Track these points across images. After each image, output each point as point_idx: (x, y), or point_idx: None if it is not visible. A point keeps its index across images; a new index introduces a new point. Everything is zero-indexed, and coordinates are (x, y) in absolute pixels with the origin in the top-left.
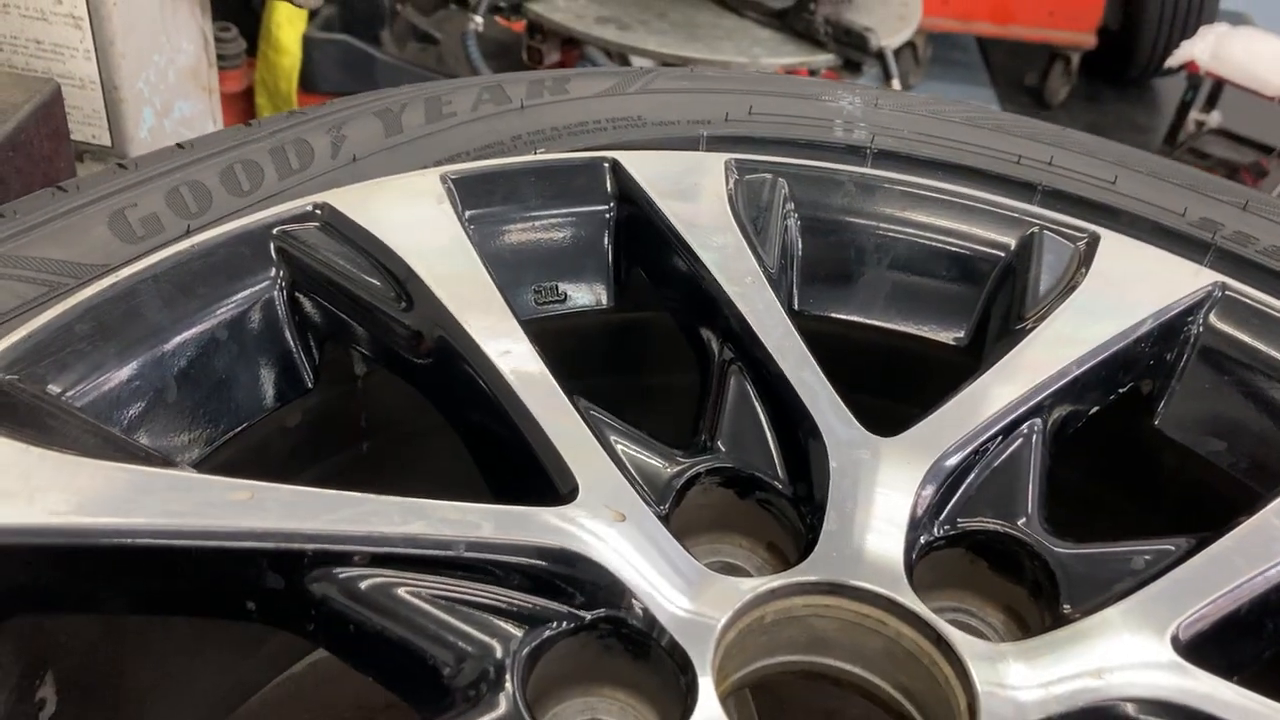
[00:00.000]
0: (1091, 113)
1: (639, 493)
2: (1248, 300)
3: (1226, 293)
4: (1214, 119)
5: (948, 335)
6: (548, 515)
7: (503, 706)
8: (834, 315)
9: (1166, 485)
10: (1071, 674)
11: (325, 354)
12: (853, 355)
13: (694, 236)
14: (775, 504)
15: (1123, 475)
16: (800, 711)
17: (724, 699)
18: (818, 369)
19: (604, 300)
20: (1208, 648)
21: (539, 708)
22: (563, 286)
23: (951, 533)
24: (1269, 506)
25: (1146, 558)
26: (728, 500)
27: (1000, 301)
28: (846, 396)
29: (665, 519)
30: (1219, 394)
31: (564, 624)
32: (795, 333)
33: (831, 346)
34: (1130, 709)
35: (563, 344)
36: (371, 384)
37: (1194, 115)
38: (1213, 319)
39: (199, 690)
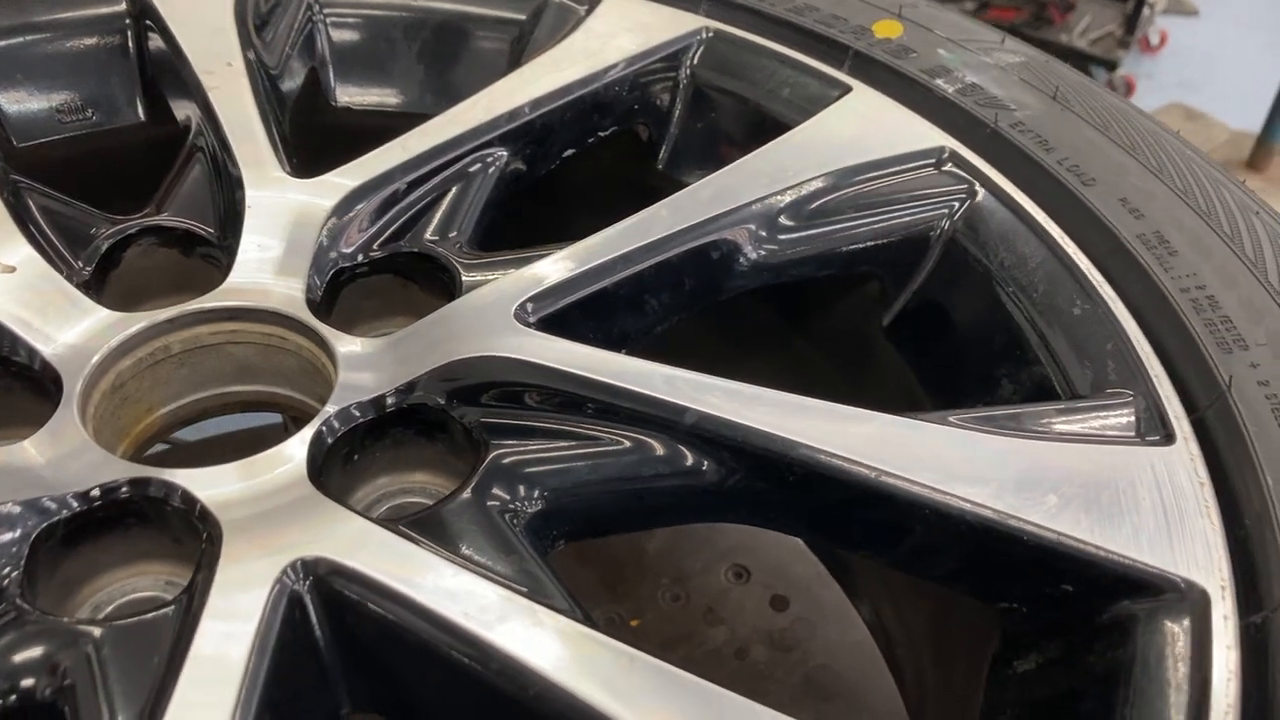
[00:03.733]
0: None
1: (39, 249)
2: (734, 41)
3: (712, 36)
4: None
5: None
6: None
7: None
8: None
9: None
10: (423, 347)
11: None
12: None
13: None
14: (213, 256)
15: None
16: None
17: (160, 433)
18: (262, 129)
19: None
20: (551, 319)
21: None
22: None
23: (370, 258)
24: None
25: (526, 255)
26: (172, 260)
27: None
28: None
29: (85, 276)
30: (711, 135)
31: None
32: (255, 105)
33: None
34: (470, 362)
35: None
36: None
37: None
38: (697, 62)
39: None
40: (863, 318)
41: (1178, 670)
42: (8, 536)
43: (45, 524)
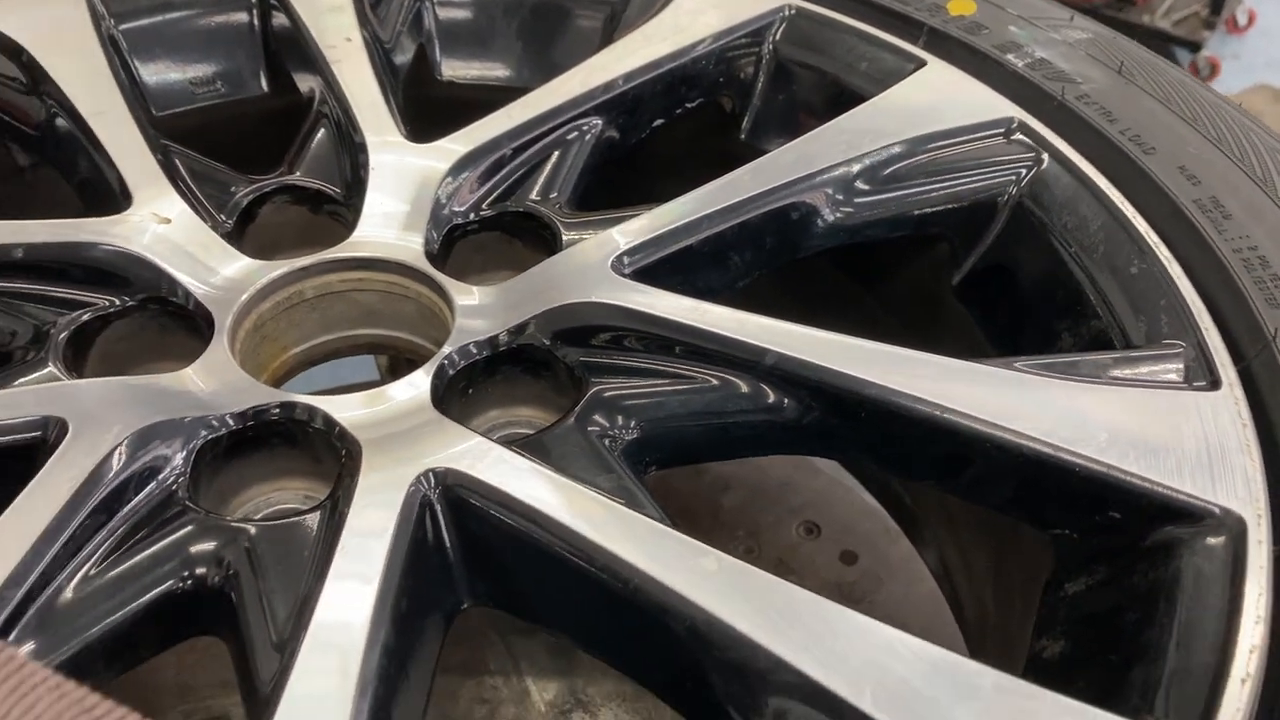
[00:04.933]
0: None
1: (190, 204)
2: (815, 18)
3: (794, 13)
4: None
5: None
6: (103, 222)
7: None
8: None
9: None
10: (531, 295)
11: None
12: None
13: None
14: (340, 214)
15: None
16: None
17: (293, 370)
18: (381, 99)
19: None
20: (644, 271)
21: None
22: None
23: (481, 216)
24: None
25: (620, 215)
26: (303, 216)
27: (605, 41)
28: None
29: (228, 229)
30: (791, 106)
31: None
32: (375, 77)
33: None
34: (573, 307)
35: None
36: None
37: None
38: (780, 38)
39: None
40: (932, 278)
41: (1214, 586)
42: (177, 446)
43: (209, 437)
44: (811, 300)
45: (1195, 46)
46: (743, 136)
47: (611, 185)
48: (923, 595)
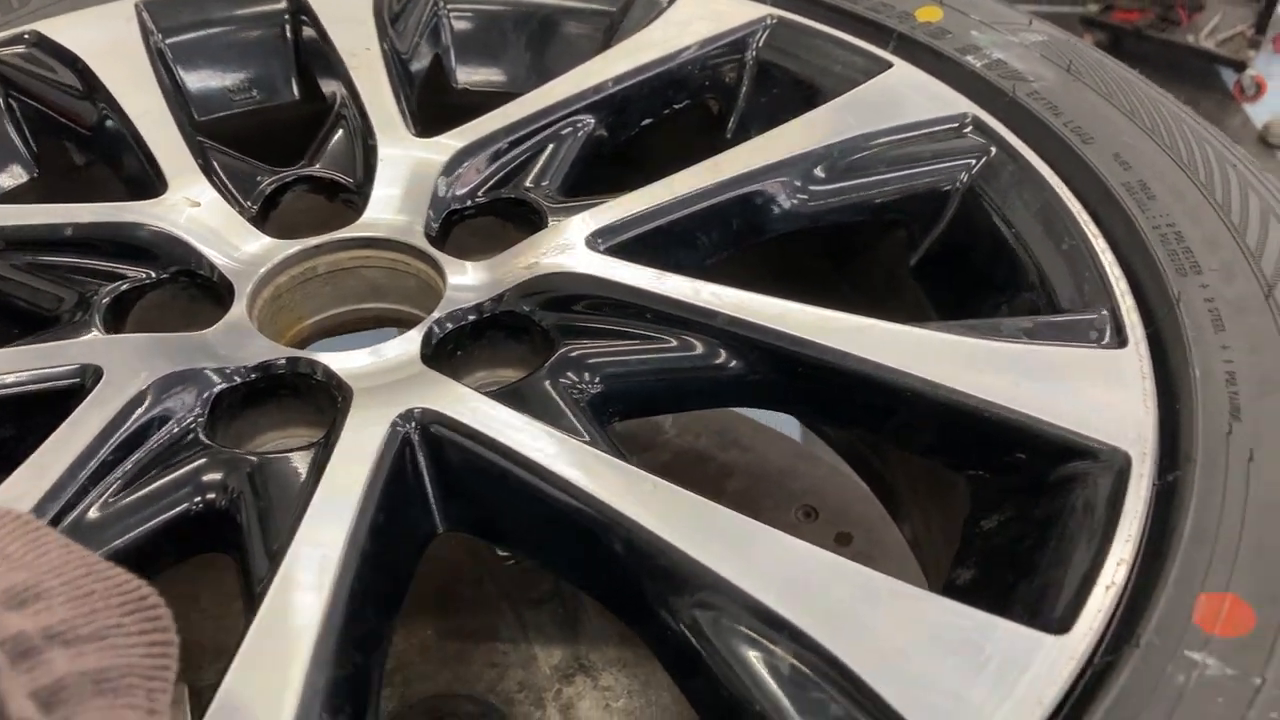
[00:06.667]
0: None
1: (219, 191)
2: (795, 27)
3: (776, 22)
4: None
5: None
6: (142, 205)
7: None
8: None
9: None
10: (512, 267)
11: (42, 145)
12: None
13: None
14: (353, 201)
15: None
16: None
17: (310, 338)
18: (393, 101)
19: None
20: (619, 248)
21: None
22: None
23: (476, 202)
24: None
25: (601, 200)
26: (320, 203)
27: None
28: None
29: (253, 213)
30: (773, 108)
31: (150, 278)
32: (388, 82)
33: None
34: (547, 277)
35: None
36: (92, 175)
37: None
38: (762, 45)
39: None
40: (894, 260)
41: (1096, 513)
42: (197, 392)
43: (224, 386)
44: (790, 279)
45: (1240, 66)
46: (729, 135)
47: (611, 179)
48: (914, 574)
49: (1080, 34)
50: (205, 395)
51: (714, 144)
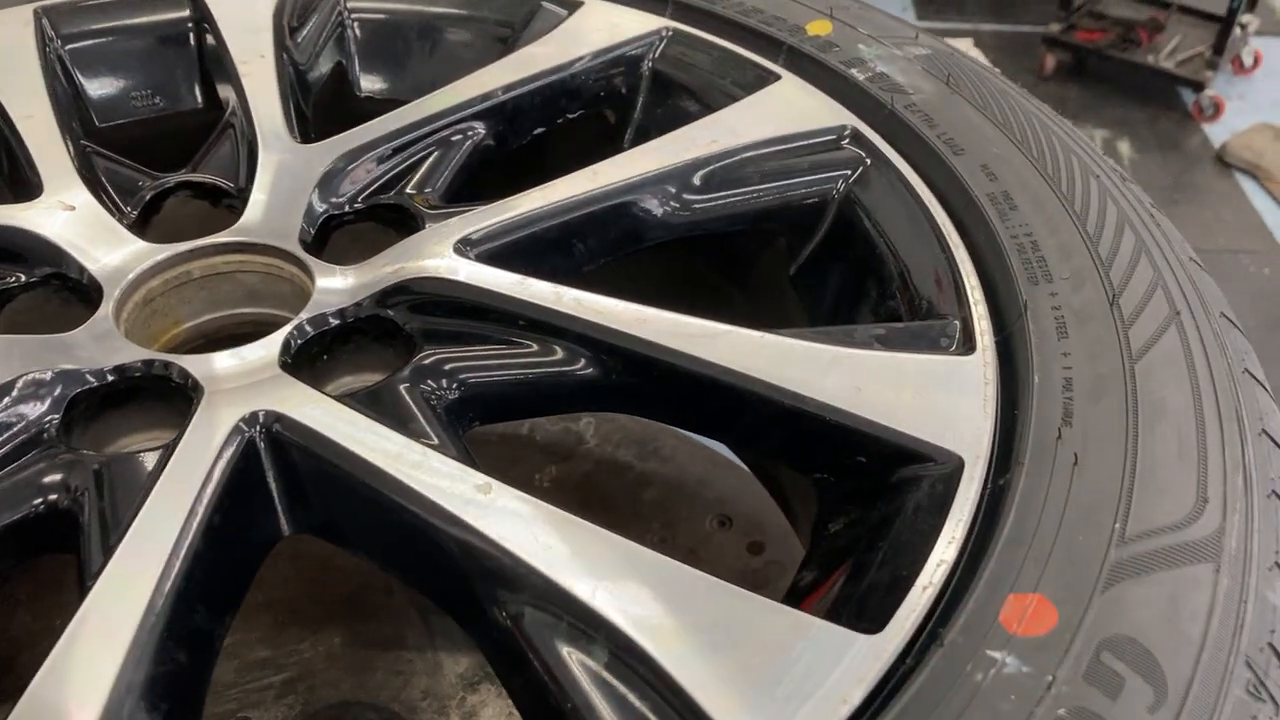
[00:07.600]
0: None
1: (96, 195)
2: (689, 39)
3: (671, 34)
4: None
5: None
6: (13, 208)
7: None
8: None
9: None
10: (379, 271)
11: None
12: None
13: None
14: (234, 205)
15: None
16: None
17: (185, 343)
18: (280, 107)
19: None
20: (492, 254)
21: None
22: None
23: (354, 208)
24: None
25: (479, 206)
26: (203, 208)
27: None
28: None
29: (132, 219)
30: (669, 119)
31: (20, 280)
32: (278, 88)
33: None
34: (410, 281)
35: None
36: None
37: None
38: (657, 56)
39: None
40: (778, 269)
41: (924, 515)
42: (51, 393)
43: (79, 389)
44: (686, 287)
45: (1199, 86)
46: (625, 147)
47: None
48: None
49: (1043, 53)
50: (60, 397)
51: (613, 154)
